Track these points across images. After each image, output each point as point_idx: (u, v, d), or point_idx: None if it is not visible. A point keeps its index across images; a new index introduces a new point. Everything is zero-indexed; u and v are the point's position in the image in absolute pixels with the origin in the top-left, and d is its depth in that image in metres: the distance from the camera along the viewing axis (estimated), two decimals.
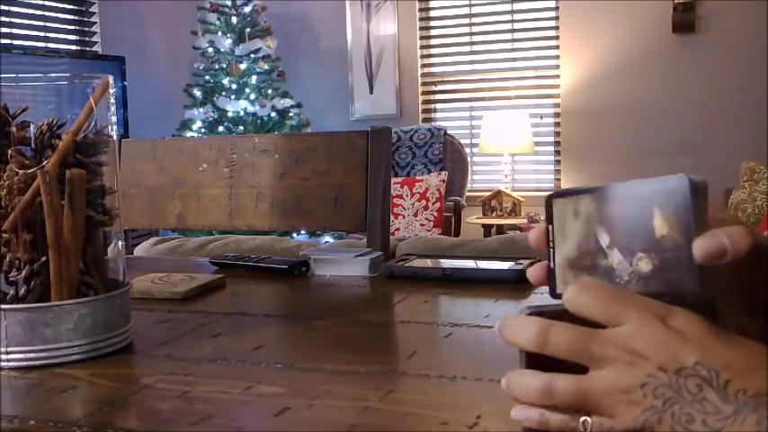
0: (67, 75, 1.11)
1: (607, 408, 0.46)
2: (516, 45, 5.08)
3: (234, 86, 4.77)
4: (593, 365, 0.46)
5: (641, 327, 0.46)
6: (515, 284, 1.00)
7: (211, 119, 4.73)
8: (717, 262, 0.45)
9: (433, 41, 5.24)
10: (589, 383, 0.46)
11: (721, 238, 0.45)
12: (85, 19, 4.78)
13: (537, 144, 4.85)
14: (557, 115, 4.96)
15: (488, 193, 4.65)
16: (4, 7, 4.20)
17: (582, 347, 0.46)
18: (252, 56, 4.81)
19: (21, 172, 0.70)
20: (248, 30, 4.80)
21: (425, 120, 5.24)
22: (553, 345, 0.47)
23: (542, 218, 0.55)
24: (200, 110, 4.75)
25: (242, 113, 4.75)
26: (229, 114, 4.75)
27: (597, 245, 0.50)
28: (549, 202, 0.53)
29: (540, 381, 0.47)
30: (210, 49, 4.82)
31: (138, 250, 1.95)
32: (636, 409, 0.45)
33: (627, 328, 0.46)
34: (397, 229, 4.33)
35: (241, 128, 4.72)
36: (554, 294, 0.53)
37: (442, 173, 4.57)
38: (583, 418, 0.47)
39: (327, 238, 4.28)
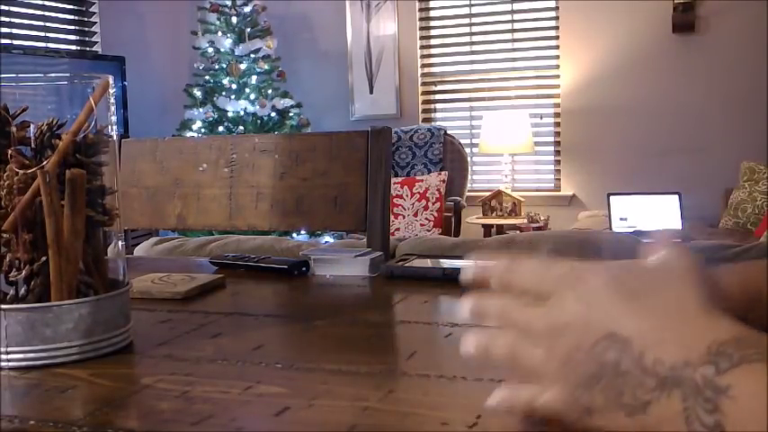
0: (67, 75, 1.12)
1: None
2: (516, 45, 5.08)
3: (234, 86, 4.77)
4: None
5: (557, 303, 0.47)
6: None
7: (211, 119, 4.73)
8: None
9: (433, 41, 5.24)
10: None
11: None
12: (85, 19, 4.78)
13: (537, 144, 4.85)
14: (557, 115, 4.96)
15: (488, 193, 4.65)
16: (4, 7, 4.20)
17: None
18: (252, 56, 4.81)
19: (21, 172, 0.70)
20: (248, 30, 4.80)
21: (425, 120, 5.24)
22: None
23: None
24: (200, 110, 4.75)
25: (242, 113, 4.75)
26: (229, 114, 4.74)
27: None
28: None
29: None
30: (210, 49, 4.82)
31: (138, 250, 1.95)
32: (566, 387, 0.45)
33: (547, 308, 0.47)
34: (397, 229, 4.33)
35: (241, 128, 4.72)
36: None
37: (442, 173, 4.57)
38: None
39: (327, 238, 4.28)
